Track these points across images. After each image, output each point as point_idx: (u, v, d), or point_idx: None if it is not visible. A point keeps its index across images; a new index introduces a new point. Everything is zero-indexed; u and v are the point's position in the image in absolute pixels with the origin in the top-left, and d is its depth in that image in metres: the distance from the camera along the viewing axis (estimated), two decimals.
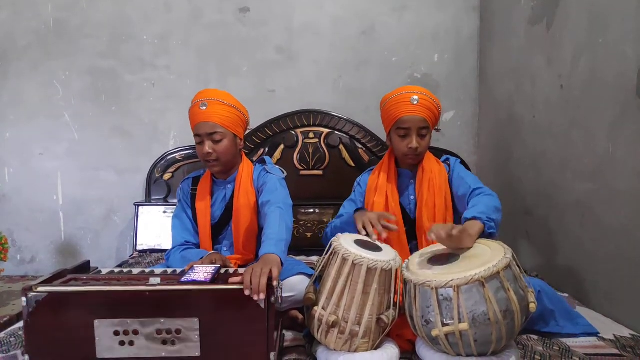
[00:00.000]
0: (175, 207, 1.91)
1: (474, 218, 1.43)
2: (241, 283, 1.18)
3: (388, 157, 1.83)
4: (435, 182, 1.71)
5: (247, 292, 1.15)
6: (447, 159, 1.81)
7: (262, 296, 1.16)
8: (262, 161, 1.83)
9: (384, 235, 1.48)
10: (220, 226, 1.77)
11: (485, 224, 1.42)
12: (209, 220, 1.75)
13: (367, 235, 1.48)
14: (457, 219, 1.68)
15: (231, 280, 1.21)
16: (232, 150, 1.72)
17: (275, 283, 1.22)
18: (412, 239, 1.74)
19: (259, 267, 1.21)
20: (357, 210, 1.73)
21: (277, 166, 1.80)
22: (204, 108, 1.65)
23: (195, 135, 1.69)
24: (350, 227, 1.61)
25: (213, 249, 1.75)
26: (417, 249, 1.69)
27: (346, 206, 1.85)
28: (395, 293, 1.32)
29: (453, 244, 1.35)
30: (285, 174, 1.76)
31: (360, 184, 1.89)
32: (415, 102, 1.68)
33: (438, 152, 2.39)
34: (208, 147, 1.66)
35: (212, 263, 1.49)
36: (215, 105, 1.67)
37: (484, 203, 1.50)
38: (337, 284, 1.28)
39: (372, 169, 1.89)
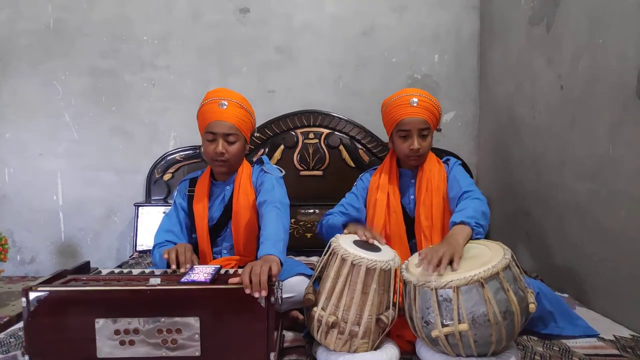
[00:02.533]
0: None
1: (462, 222, 1.43)
2: (241, 283, 1.17)
3: (390, 158, 1.85)
4: (434, 181, 1.73)
5: (247, 291, 1.15)
6: (448, 160, 1.82)
7: (264, 293, 1.15)
8: (260, 161, 1.83)
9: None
10: (219, 227, 1.76)
11: (474, 229, 1.42)
12: (207, 222, 1.73)
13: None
14: None
15: (231, 280, 1.21)
16: (241, 154, 1.73)
17: (274, 279, 1.22)
18: (412, 237, 1.75)
19: (258, 265, 1.21)
20: (348, 222, 1.70)
21: (274, 165, 1.79)
22: (224, 107, 1.64)
23: (208, 133, 1.66)
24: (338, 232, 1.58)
25: (212, 251, 1.74)
26: (416, 248, 1.70)
27: (347, 197, 1.87)
28: (395, 293, 1.32)
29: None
30: (283, 172, 1.75)
31: (362, 179, 1.90)
32: (415, 104, 1.70)
33: (439, 153, 2.39)
34: (221, 146, 1.65)
35: (180, 252, 1.47)
36: (235, 107, 1.66)
37: (472, 207, 1.50)
38: (336, 285, 1.29)
39: (375, 169, 1.89)
